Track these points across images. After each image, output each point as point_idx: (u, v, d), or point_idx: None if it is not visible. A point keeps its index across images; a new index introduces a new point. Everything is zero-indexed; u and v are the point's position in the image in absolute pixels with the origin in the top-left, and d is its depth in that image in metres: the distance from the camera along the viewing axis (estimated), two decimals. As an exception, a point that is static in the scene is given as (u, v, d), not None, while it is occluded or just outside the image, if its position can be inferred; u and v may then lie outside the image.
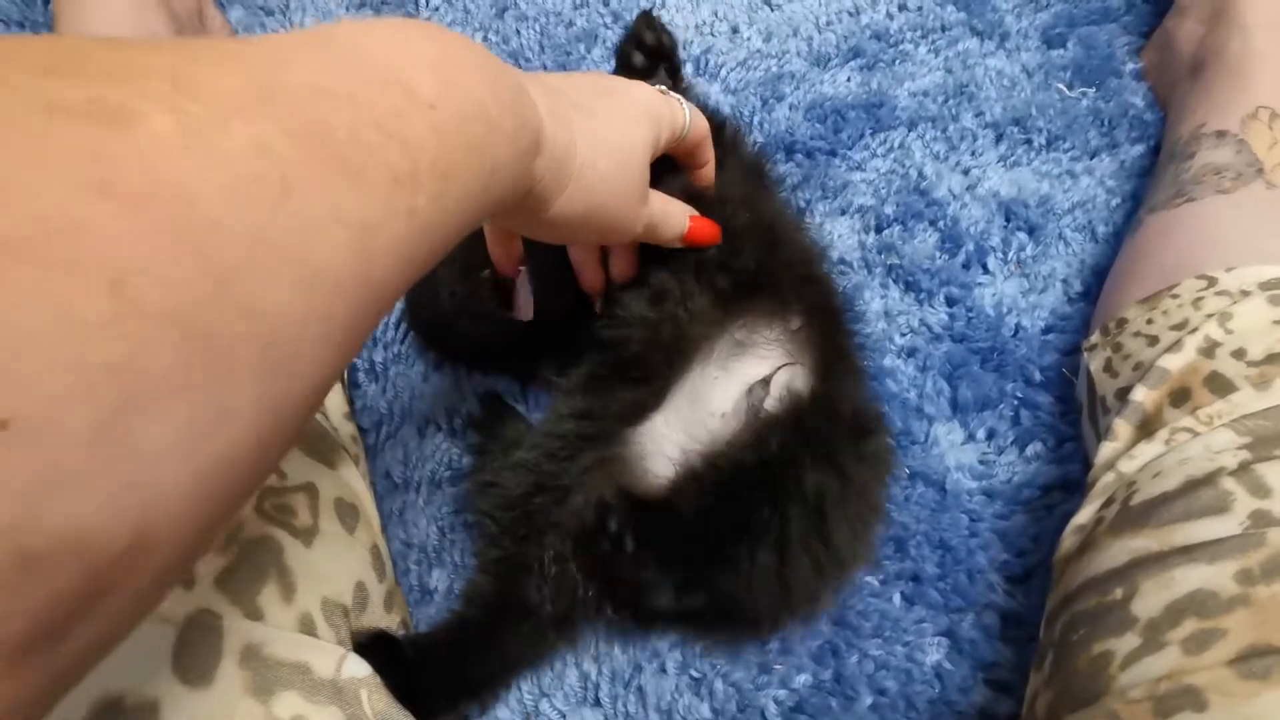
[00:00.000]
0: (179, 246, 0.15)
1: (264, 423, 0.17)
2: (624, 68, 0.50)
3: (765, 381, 0.43)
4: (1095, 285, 0.55)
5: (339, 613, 0.36)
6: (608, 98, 0.35)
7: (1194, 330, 0.40)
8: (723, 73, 0.68)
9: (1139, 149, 0.62)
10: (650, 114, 0.36)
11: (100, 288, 0.14)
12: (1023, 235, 0.58)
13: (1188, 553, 0.31)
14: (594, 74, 0.37)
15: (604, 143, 0.33)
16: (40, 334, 0.13)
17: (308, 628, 0.33)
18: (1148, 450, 0.37)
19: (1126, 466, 0.37)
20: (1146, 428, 0.39)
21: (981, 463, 0.48)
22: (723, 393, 0.43)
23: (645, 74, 0.49)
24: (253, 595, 0.32)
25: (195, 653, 0.29)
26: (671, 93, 0.40)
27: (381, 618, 0.41)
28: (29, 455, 0.13)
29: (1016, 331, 0.53)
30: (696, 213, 0.40)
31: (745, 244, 0.43)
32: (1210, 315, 0.40)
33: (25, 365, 0.13)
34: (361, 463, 0.46)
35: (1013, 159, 0.62)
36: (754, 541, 0.38)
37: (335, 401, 0.45)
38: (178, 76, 0.17)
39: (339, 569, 0.37)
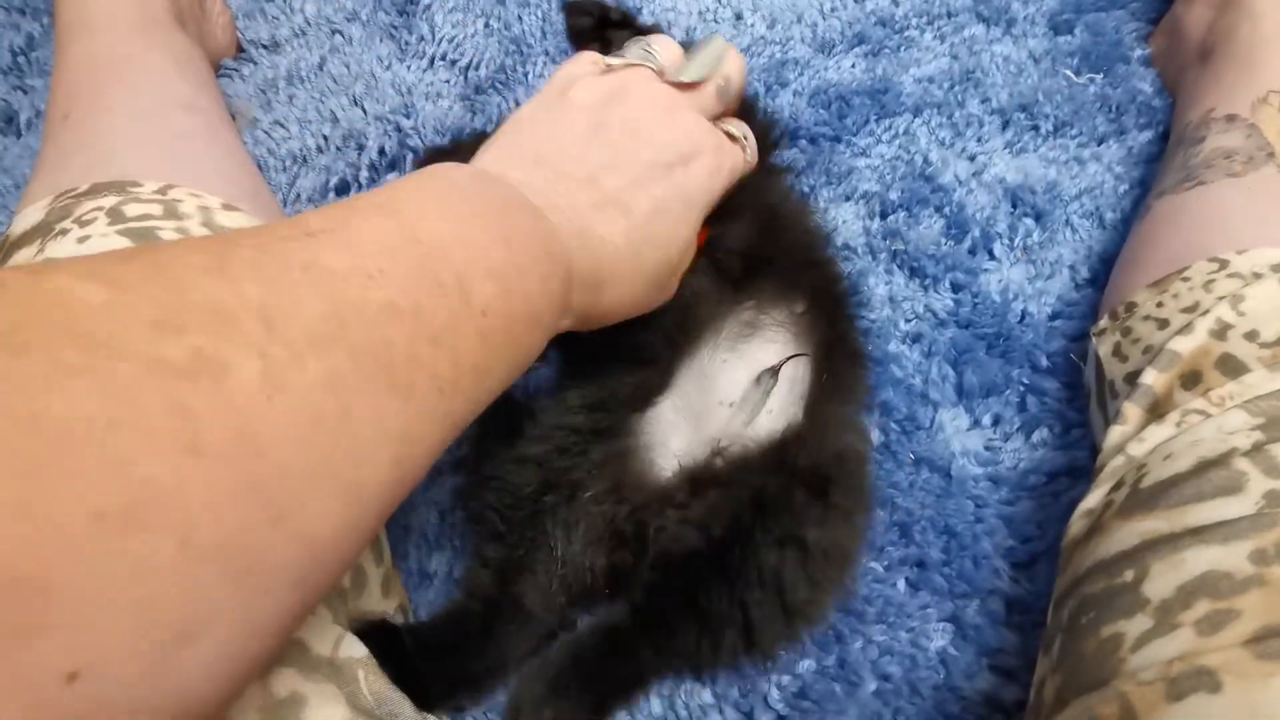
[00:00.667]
0: (248, 495, 0.17)
1: (292, 624, 0.19)
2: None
3: (774, 371, 0.42)
4: (1103, 272, 0.54)
5: (335, 595, 0.35)
6: (661, 183, 0.34)
7: (1205, 313, 0.39)
8: (726, 58, 0.68)
9: (1147, 135, 0.61)
10: (707, 189, 0.36)
11: (172, 543, 0.15)
12: (1029, 221, 0.57)
13: (1200, 534, 0.31)
14: (660, 143, 0.35)
15: (646, 239, 0.33)
16: (114, 591, 0.15)
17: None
18: (1158, 433, 0.37)
19: (1136, 449, 0.37)
20: (1156, 410, 0.38)
21: (987, 449, 0.48)
22: (731, 378, 0.42)
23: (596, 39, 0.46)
24: None
25: None
26: (735, 126, 0.38)
27: (379, 601, 0.40)
28: (90, 700, 0.14)
29: (1023, 317, 0.53)
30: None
31: (750, 225, 0.42)
32: (1221, 298, 0.39)
33: (98, 622, 0.14)
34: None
35: (1019, 145, 0.61)
36: (708, 622, 0.38)
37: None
38: (268, 314, 0.19)
39: None
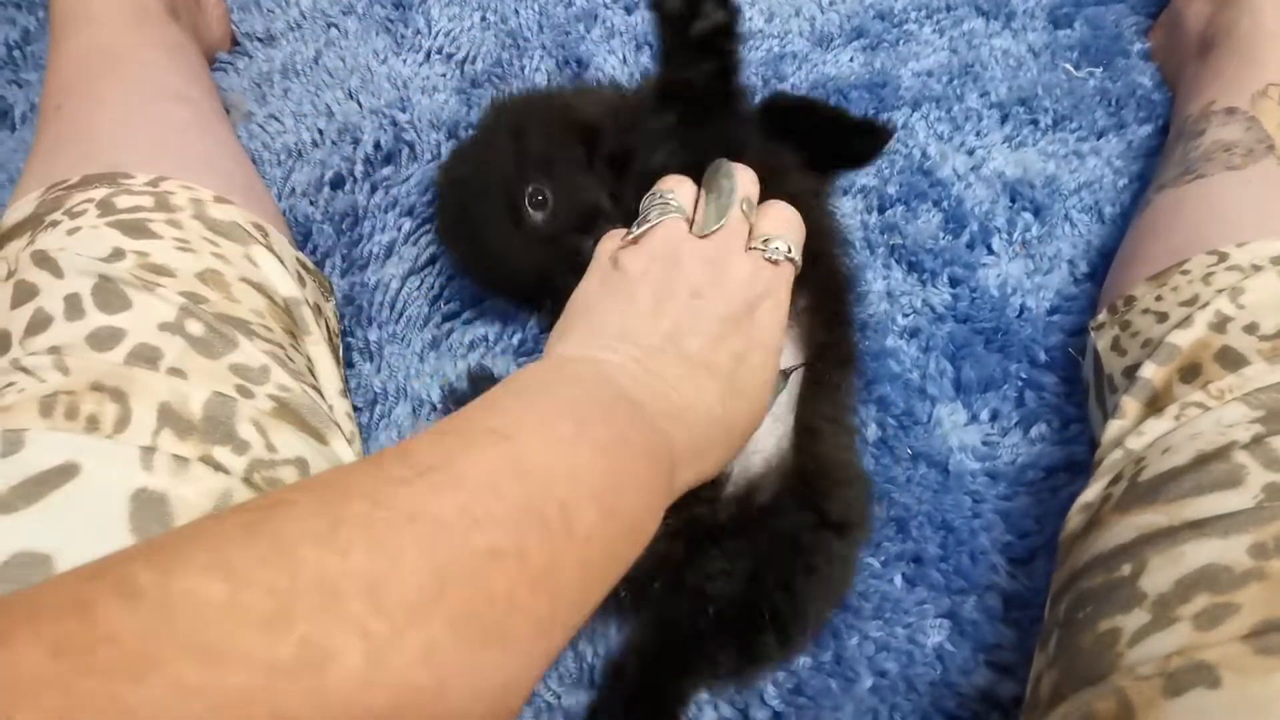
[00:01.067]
0: None
1: None
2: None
3: (785, 373, 0.42)
4: (1101, 266, 0.54)
5: None
6: (737, 336, 0.35)
7: (1204, 305, 0.39)
8: (724, 52, 0.67)
9: (1147, 129, 0.61)
10: (778, 326, 0.37)
11: None
12: (1028, 216, 0.57)
13: (1198, 527, 0.30)
14: (725, 297, 0.35)
15: (735, 394, 0.34)
16: None
17: None
18: (1157, 426, 0.36)
19: (1135, 443, 0.37)
20: (1155, 404, 0.38)
21: (985, 444, 0.47)
22: None
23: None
24: None
25: None
26: (773, 238, 0.37)
27: None
28: None
29: (1021, 312, 0.52)
30: None
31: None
32: (1221, 290, 0.39)
33: None
34: (356, 441, 0.45)
35: (1018, 139, 0.61)
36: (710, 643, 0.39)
37: (329, 379, 0.44)
38: (374, 585, 0.19)
39: None
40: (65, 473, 0.30)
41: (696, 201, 0.39)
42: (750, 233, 0.38)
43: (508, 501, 0.23)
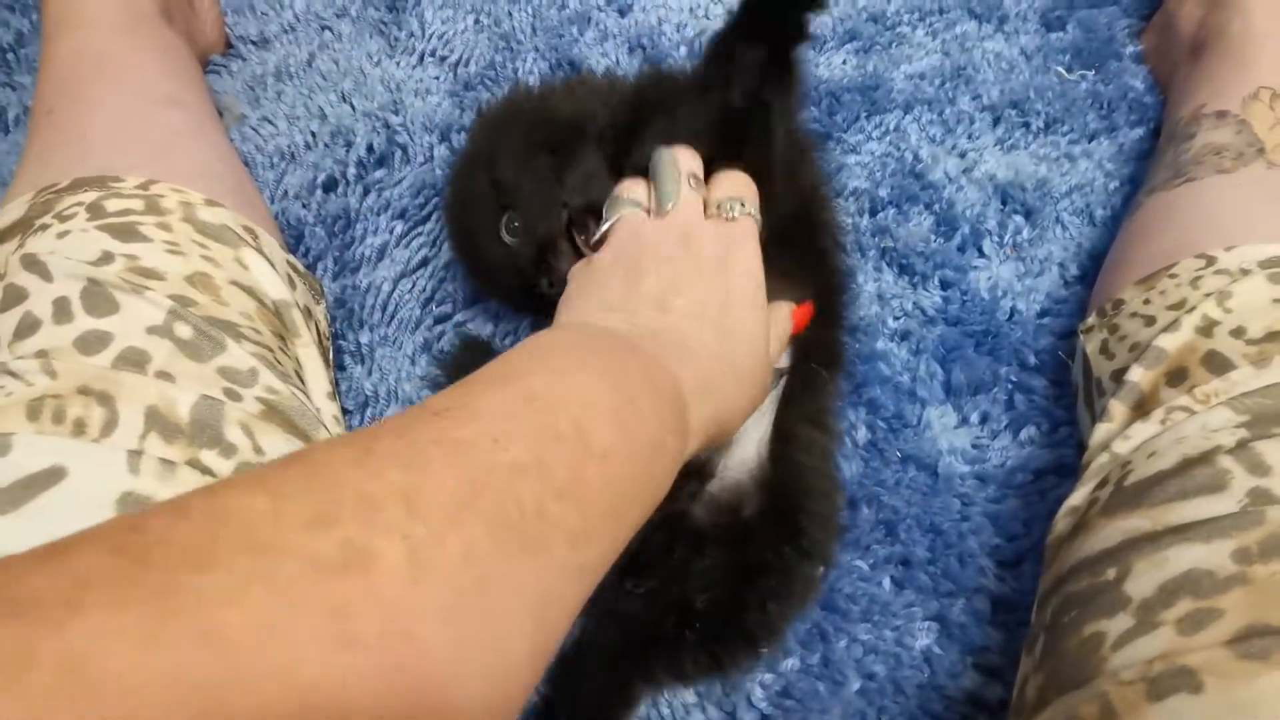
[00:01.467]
0: (398, 680, 0.18)
1: None
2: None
3: (780, 372, 0.43)
4: (1092, 269, 0.54)
5: None
6: (718, 285, 0.36)
7: (1192, 310, 0.39)
8: (717, 55, 0.67)
9: (1138, 132, 0.61)
10: (753, 272, 0.38)
11: None
12: (1019, 219, 0.57)
13: (1182, 532, 0.30)
14: (697, 259, 0.37)
15: (729, 334, 0.35)
16: None
17: None
18: (1143, 430, 0.36)
19: (1121, 447, 0.37)
20: (1142, 408, 0.38)
21: (974, 446, 0.48)
22: None
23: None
24: None
25: None
26: (725, 200, 0.39)
27: None
28: None
29: (1011, 315, 0.52)
30: (793, 307, 0.41)
31: (781, 209, 0.42)
32: (1209, 294, 0.39)
33: None
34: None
35: (1010, 142, 0.61)
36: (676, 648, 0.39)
37: (317, 381, 0.44)
38: (408, 494, 0.20)
39: None
40: (52, 476, 0.30)
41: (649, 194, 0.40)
42: (704, 205, 0.39)
43: (523, 424, 0.24)
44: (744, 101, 0.41)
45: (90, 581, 0.16)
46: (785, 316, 0.41)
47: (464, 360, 0.50)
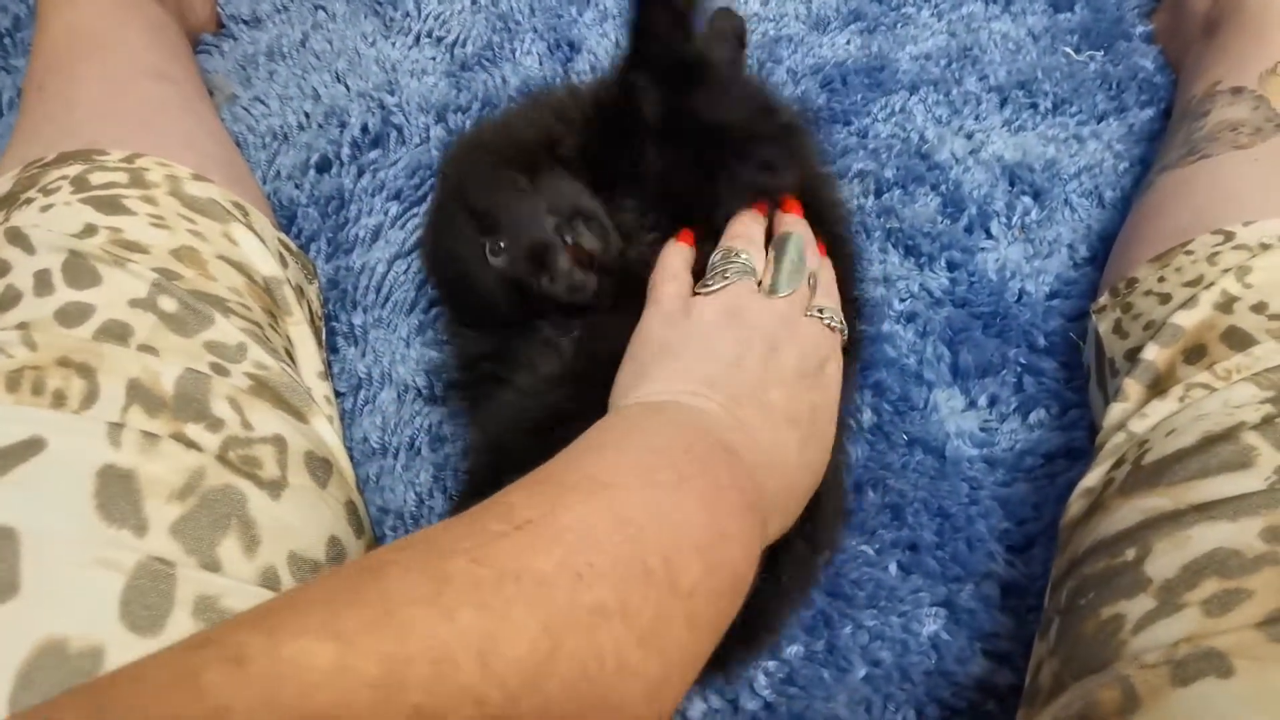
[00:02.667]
0: None
1: None
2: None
3: None
4: (1101, 250, 0.53)
5: (309, 568, 0.34)
6: (812, 392, 0.36)
7: (1210, 286, 0.38)
8: (718, 34, 0.66)
9: (1148, 113, 0.60)
10: (839, 385, 0.38)
11: None
12: (1027, 200, 0.56)
13: (1206, 510, 0.29)
14: (800, 354, 0.36)
15: (812, 446, 0.35)
16: None
17: (270, 582, 0.32)
18: (1161, 408, 0.35)
19: (1138, 426, 0.35)
20: (1158, 386, 0.37)
21: (983, 429, 0.46)
22: None
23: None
24: (210, 546, 0.30)
25: (144, 600, 0.28)
26: (827, 310, 0.38)
27: None
28: None
29: (1020, 297, 0.51)
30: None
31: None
32: (1227, 270, 0.38)
33: None
34: (337, 423, 0.44)
35: (1018, 123, 0.60)
36: None
37: (309, 360, 0.43)
38: (484, 650, 0.19)
39: (309, 523, 0.35)
40: (30, 447, 0.29)
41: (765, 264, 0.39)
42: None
43: (609, 555, 0.22)
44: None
45: None
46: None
47: None
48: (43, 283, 0.35)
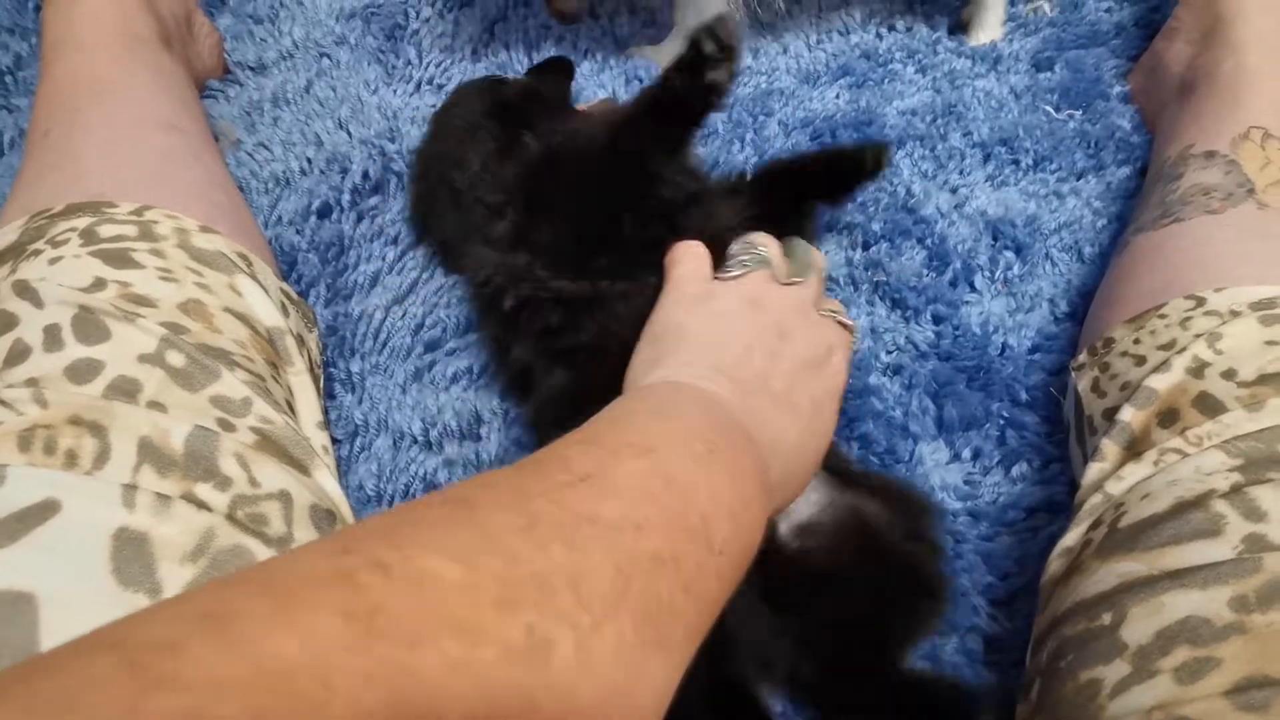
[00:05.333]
0: None
1: None
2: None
3: None
4: (1082, 306, 0.54)
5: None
6: (815, 382, 0.38)
7: (1182, 350, 0.39)
8: (712, 88, 0.68)
9: (1125, 171, 0.62)
10: (844, 378, 0.40)
11: None
12: (1010, 254, 0.57)
13: (1178, 577, 0.30)
14: (807, 344, 0.38)
15: (811, 433, 0.37)
16: None
17: None
18: (1136, 471, 0.36)
19: (1114, 488, 0.37)
20: (1134, 448, 0.38)
21: (966, 483, 0.48)
22: None
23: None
24: None
25: None
26: (837, 309, 0.42)
27: None
28: None
29: (1003, 350, 0.53)
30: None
31: None
32: (1199, 335, 0.40)
33: None
34: (334, 473, 0.44)
35: (1000, 179, 0.62)
36: None
37: (308, 410, 0.44)
38: (575, 581, 0.21)
39: None
40: (46, 509, 0.30)
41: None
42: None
43: (660, 510, 0.25)
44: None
45: (333, 656, 0.17)
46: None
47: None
48: (52, 338, 0.36)
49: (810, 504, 0.41)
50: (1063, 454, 0.48)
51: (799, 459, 0.36)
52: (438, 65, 0.69)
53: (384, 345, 0.54)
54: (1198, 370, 0.38)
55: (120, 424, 0.33)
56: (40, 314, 0.37)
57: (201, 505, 0.33)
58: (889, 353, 0.53)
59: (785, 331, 0.38)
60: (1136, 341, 0.43)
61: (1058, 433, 0.49)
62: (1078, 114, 0.65)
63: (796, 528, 0.40)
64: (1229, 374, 0.37)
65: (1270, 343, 0.38)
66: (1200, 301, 0.41)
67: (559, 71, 0.60)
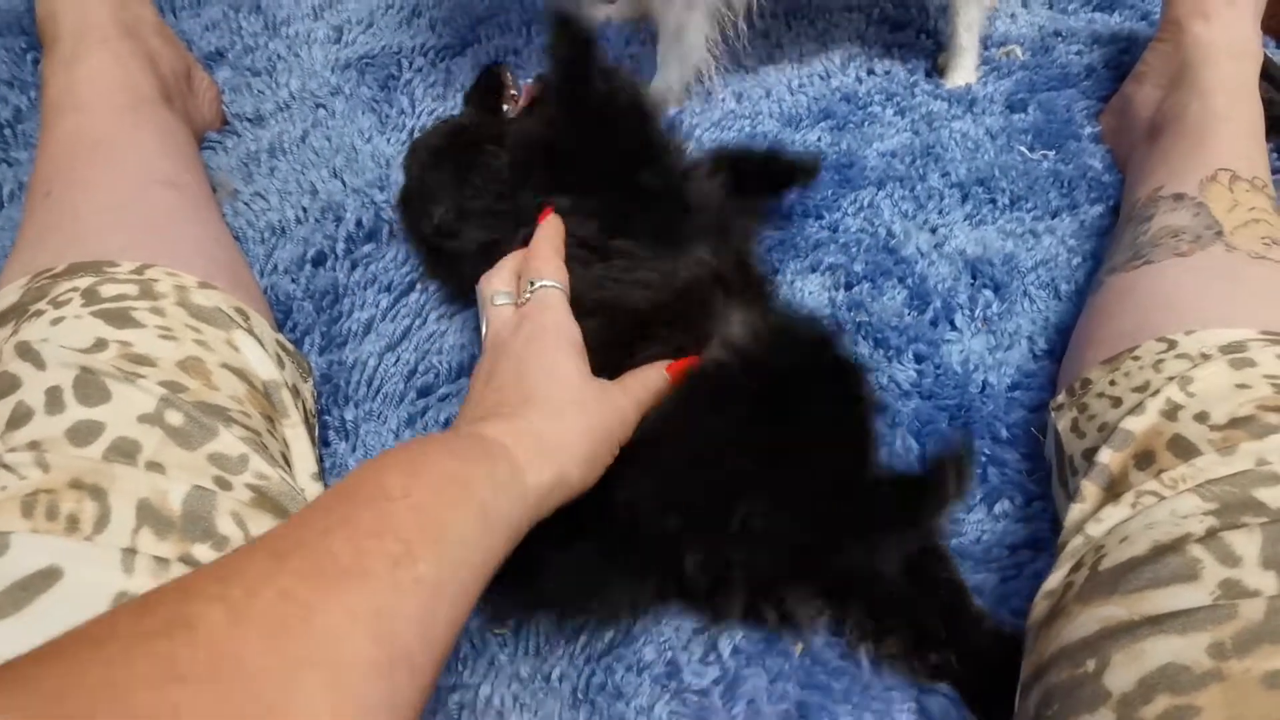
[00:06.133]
0: (235, 705, 0.21)
1: None
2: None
3: None
4: (1059, 343, 0.56)
5: None
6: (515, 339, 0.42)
7: (1155, 393, 0.41)
8: (697, 132, 0.70)
9: (1098, 209, 0.64)
10: (625, 417, 0.41)
11: None
12: (989, 293, 0.59)
13: (1158, 623, 0.31)
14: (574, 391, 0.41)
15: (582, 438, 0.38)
16: None
17: None
18: (1114, 513, 0.37)
19: (1094, 530, 0.38)
20: (1113, 489, 0.39)
21: (950, 521, 0.48)
22: None
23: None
24: None
25: None
26: (533, 282, 0.45)
27: None
28: None
29: (983, 388, 0.54)
30: (669, 363, 0.44)
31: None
32: (1171, 378, 0.41)
33: None
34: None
35: (978, 218, 0.64)
36: None
37: (303, 462, 0.45)
38: (224, 575, 0.23)
39: None
40: (48, 577, 0.31)
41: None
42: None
43: (339, 499, 0.29)
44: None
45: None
46: (655, 374, 0.44)
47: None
48: (54, 400, 0.37)
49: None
50: (1043, 492, 0.49)
51: (574, 419, 0.38)
52: (430, 113, 0.71)
53: (377, 392, 0.55)
54: (1171, 413, 0.40)
55: (120, 486, 0.34)
56: (42, 375, 0.38)
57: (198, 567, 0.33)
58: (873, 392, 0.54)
59: (499, 348, 0.43)
60: (1112, 383, 0.44)
61: (1038, 470, 0.50)
62: (1051, 154, 0.67)
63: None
64: (1201, 416, 0.39)
65: (1240, 386, 0.39)
66: (1172, 344, 0.43)
67: (489, 88, 0.63)
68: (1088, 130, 0.68)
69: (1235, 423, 0.38)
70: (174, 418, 0.38)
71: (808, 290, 0.59)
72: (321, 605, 0.23)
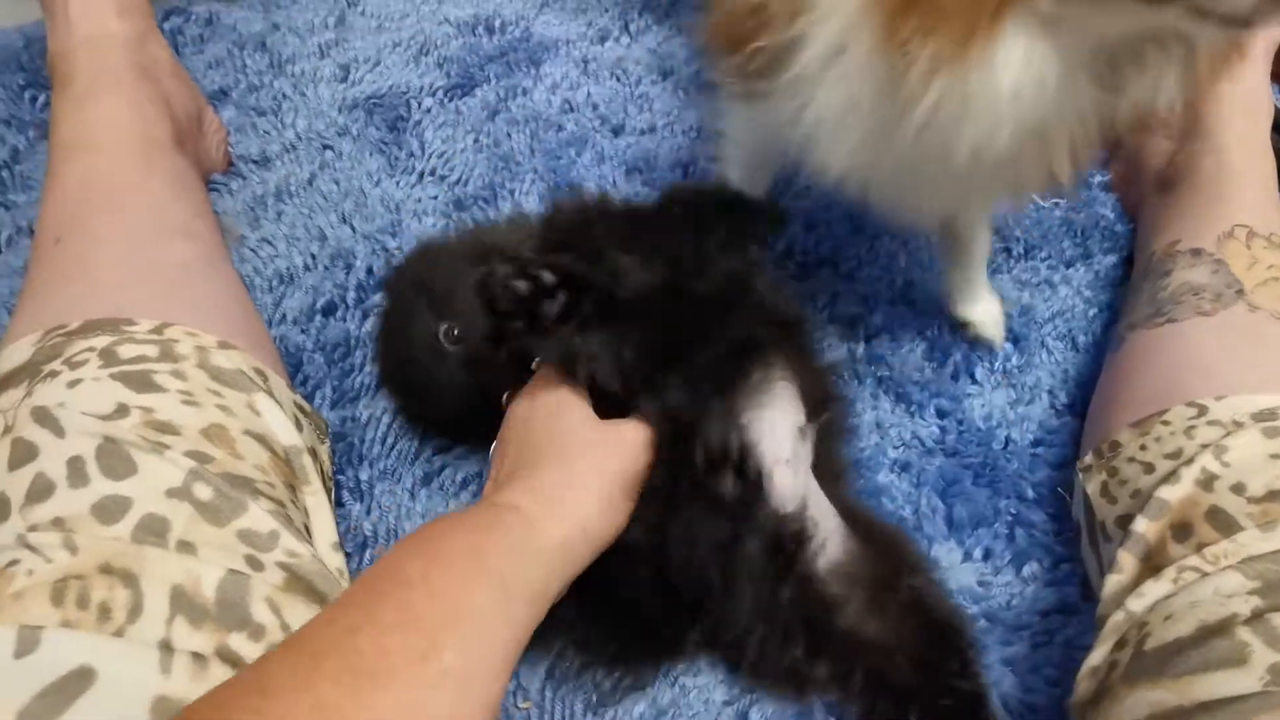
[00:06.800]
0: None
1: None
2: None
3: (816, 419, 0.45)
4: (1080, 397, 0.56)
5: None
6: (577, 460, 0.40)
7: (1189, 461, 0.41)
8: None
9: (1111, 259, 0.64)
10: (639, 452, 0.41)
11: None
12: (1008, 345, 0.59)
13: (1208, 709, 0.31)
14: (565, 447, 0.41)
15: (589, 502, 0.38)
16: None
17: None
18: (1155, 589, 0.37)
19: (1135, 605, 0.37)
20: (1151, 560, 0.39)
21: (980, 584, 0.48)
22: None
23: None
24: None
25: None
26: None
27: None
28: None
29: (1006, 444, 0.54)
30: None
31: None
32: (1205, 446, 0.41)
33: None
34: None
35: (993, 267, 0.64)
36: None
37: (324, 531, 0.43)
38: (261, 686, 0.25)
39: None
40: (83, 678, 0.29)
41: None
42: None
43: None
44: None
45: None
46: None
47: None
48: (77, 472, 0.35)
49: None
50: (1070, 554, 0.49)
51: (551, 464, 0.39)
52: (440, 155, 0.70)
53: (392, 449, 0.54)
54: (1207, 483, 0.39)
55: (151, 570, 0.33)
56: (61, 444, 0.36)
57: (237, 662, 0.32)
58: (896, 448, 0.54)
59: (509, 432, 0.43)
60: (1143, 448, 0.44)
61: (1065, 530, 0.50)
62: (1062, 202, 0.68)
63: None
64: (1238, 488, 0.39)
65: (1275, 456, 0.39)
66: (1203, 410, 0.43)
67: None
68: (1097, 178, 0.69)
69: (1272, 495, 0.38)
70: (203, 492, 0.36)
71: (826, 341, 0.59)
72: (354, 713, 0.24)
